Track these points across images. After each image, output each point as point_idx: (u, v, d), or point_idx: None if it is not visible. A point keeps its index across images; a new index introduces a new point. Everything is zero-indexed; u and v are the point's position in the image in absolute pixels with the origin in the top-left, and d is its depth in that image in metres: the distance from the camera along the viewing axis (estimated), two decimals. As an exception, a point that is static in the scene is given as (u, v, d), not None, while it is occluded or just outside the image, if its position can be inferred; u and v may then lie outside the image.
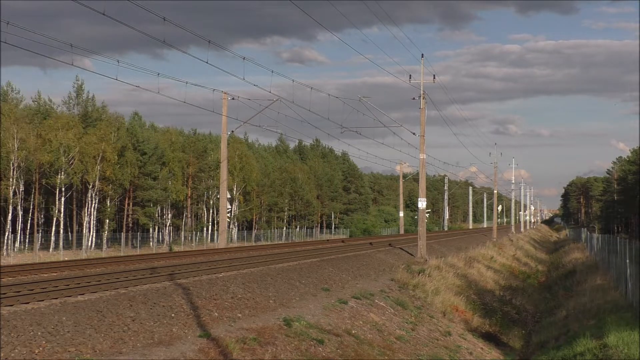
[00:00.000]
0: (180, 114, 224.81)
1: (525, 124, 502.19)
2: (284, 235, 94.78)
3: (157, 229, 79.54)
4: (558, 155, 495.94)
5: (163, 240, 76.64)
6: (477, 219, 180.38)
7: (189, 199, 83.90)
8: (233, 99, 46.05)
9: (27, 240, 63.31)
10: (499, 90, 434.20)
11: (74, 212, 69.30)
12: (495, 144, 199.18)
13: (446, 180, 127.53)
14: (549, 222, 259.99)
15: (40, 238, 61.41)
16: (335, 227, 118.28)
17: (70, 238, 63.67)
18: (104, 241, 67.11)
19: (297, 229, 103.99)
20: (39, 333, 13.21)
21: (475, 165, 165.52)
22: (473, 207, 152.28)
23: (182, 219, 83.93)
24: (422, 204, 43.13)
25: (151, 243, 69.30)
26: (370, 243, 51.61)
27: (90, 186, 66.31)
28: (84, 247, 61.85)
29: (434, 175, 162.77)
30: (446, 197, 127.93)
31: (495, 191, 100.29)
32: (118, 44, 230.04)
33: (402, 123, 48.84)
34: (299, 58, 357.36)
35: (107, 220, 69.59)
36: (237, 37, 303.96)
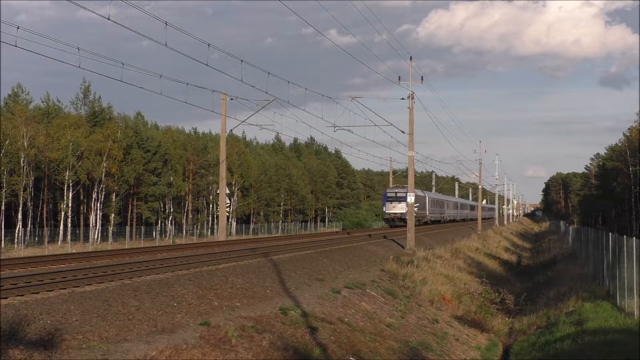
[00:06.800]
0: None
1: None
2: (280, 228, 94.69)
3: (160, 222, 79.42)
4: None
5: (166, 233, 76.49)
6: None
7: (189, 194, 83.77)
8: (232, 99, 45.63)
9: (36, 234, 63.15)
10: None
11: (82, 207, 69.19)
12: (480, 141, 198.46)
13: (433, 176, 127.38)
14: (530, 215, 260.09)
15: (49, 231, 61.24)
16: (329, 221, 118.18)
17: (77, 231, 63.52)
18: (110, 234, 66.99)
19: (293, 223, 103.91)
20: (49, 322, 13.20)
21: (461, 161, 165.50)
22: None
23: (184, 213, 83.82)
24: (410, 198, 43.15)
25: (155, 235, 69.14)
26: (369, 235, 51.69)
27: (97, 182, 66.20)
28: (90, 240, 61.73)
29: (422, 172, 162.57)
30: (434, 192, 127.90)
31: (480, 186, 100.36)
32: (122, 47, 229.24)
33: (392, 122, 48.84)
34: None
35: (112, 215, 69.46)
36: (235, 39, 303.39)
